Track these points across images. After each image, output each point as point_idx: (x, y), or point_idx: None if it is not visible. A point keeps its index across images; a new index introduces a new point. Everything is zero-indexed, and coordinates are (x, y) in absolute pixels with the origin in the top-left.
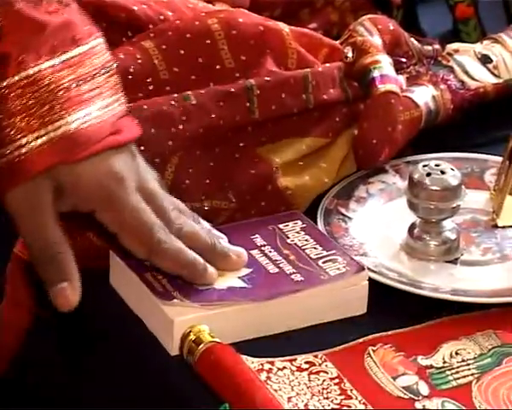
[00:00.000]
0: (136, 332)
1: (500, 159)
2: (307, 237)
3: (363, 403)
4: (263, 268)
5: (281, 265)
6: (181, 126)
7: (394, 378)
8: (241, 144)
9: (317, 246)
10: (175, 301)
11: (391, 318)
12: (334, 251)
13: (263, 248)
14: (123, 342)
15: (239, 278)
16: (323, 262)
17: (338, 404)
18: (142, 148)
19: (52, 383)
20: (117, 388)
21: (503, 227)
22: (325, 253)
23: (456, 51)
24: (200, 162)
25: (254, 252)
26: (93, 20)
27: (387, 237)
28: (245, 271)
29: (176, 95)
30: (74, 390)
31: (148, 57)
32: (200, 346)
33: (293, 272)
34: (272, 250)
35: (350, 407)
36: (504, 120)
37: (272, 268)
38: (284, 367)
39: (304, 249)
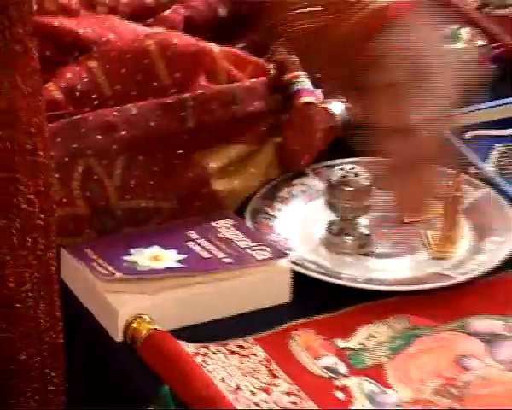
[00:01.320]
0: (85, 321)
1: None
2: (237, 232)
3: (289, 382)
4: (197, 254)
5: (213, 251)
6: (123, 132)
7: (316, 359)
8: (179, 151)
9: (246, 238)
10: (117, 275)
11: (312, 305)
12: (260, 242)
13: (197, 240)
14: (74, 330)
15: (175, 260)
16: (251, 250)
17: (265, 383)
18: (90, 152)
19: None
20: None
21: (409, 223)
22: (252, 243)
23: None
24: (144, 166)
25: (190, 243)
26: (43, 42)
27: (308, 234)
28: (181, 256)
29: (118, 107)
30: None
31: (92, 76)
32: (143, 333)
33: (224, 257)
34: (206, 242)
35: (277, 386)
36: None
37: (205, 254)
38: (218, 351)
39: (233, 241)
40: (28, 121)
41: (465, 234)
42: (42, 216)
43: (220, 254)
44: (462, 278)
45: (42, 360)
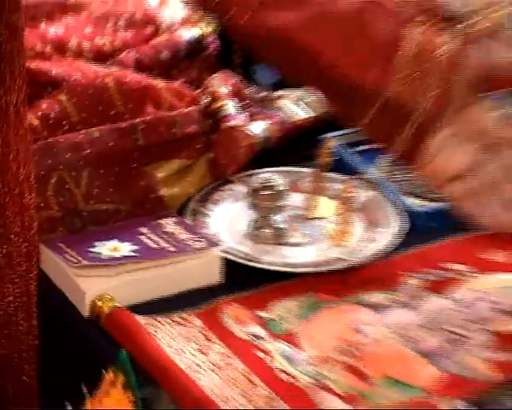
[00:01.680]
0: (59, 300)
1: (309, 170)
2: (178, 227)
3: (221, 346)
4: (147, 245)
5: (159, 243)
6: (88, 151)
7: (242, 327)
8: (133, 165)
9: (185, 232)
10: (84, 263)
11: (239, 285)
12: (197, 235)
13: (147, 234)
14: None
15: (130, 251)
16: (190, 241)
17: (203, 347)
18: (62, 166)
19: None
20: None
21: (314, 218)
22: (191, 236)
23: (281, 96)
24: (104, 177)
25: (141, 237)
26: None
27: (235, 228)
28: (134, 247)
29: (84, 131)
30: None
31: (63, 107)
32: (106, 310)
33: (169, 247)
34: (154, 236)
35: (212, 349)
36: (313, 143)
37: (154, 245)
38: (165, 322)
39: (176, 234)
40: (17, 171)
41: (357, 226)
42: (25, 244)
43: (165, 245)
44: (355, 261)
45: (19, 357)
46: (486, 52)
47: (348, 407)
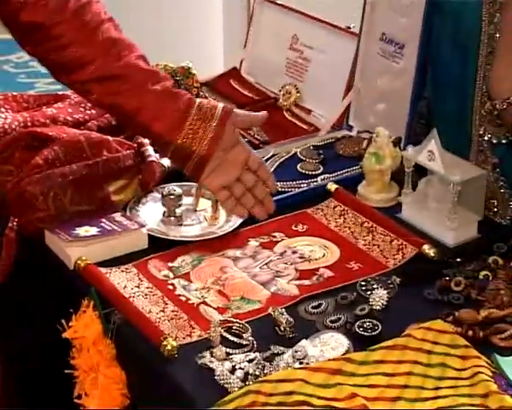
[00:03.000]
0: (57, 262)
1: (195, 184)
2: (122, 218)
3: (148, 283)
4: (105, 228)
5: (112, 226)
6: (70, 177)
7: (159, 272)
8: (97, 184)
9: (126, 220)
10: (69, 238)
11: (156, 250)
12: (133, 221)
13: (105, 222)
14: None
15: (96, 231)
16: (129, 225)
17: (137, 284)
18: (55, 186)
19: None
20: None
21: (199, 210)
22: (130, 222)
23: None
24: (80, 191)
25: (102, 224)
26: (34, 139)
27: (155, 217)
28: (98, 229)
29: (68, 166)
30: None
31: (56, 153)
32: (83, 265)
33: (117, 228)
34: (109, 222)
35: (142, 285)
36: None
37: (109, 228)
38: (116, 271)
39: (122, 221)
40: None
41: (221, 214)
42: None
43: (115, 227)
44: (221, 233)
45: None
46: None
47: (219, 315)
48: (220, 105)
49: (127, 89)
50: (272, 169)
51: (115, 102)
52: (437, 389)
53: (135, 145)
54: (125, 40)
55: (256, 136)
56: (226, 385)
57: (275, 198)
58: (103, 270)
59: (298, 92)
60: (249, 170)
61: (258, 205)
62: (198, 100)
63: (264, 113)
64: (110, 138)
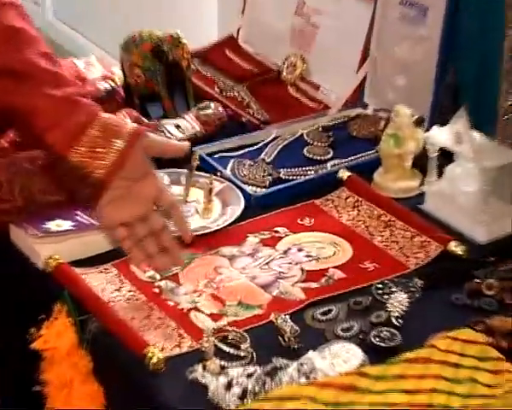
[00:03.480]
0: (25, 259)
1: (185, 171)
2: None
3: (131, 285)
4: (80, 222)
5: (88, 219)
6: (39, 162)
7: (144, 273)
8: None
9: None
10: (38, 234)
11: None
12: None
13: (80, 215)
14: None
15: (70, 226)
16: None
17: (118, 287)
18: (23, 173)
19: None
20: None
21: (190, 202)
22: None
23: (164, 123)
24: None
25: (76, 217)
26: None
27: None
28: (72, 223)
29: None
30: None
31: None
32: (54, 264)
33: (95, 222)
34: (85, 216)
35: (124, 287)
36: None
37: (85, 222)
38: (93, 271)
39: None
40: None
41: (215, 206)
42: None
43: (92, 221)
44: (216, 228)
45: None
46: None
47: (213, 323)
48: (131, 125)
49: (23, 88)
50: (275, 153)
51: (7, 100)
52: (465, 408)
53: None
54: (29, 31)
55: (255, 115)
56: (221, 404)
57: (277, 187)
58: (78, 270)
59: (304, 64)
60: (159, 210)
61: (162, 255)
62: (105, 115)
63: (185, 144)
64: None
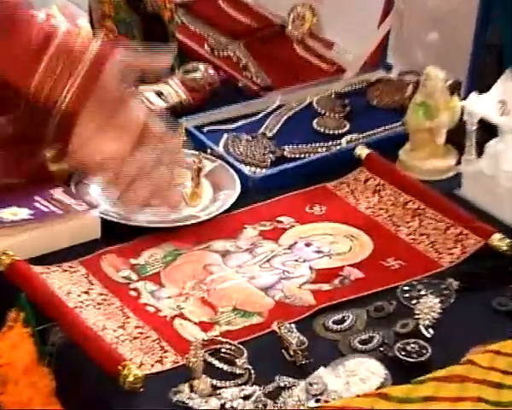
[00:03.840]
0: None
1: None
2: (65, 195)
3: (101, 287)
4: (40, 210)
5: (50, 207)
6: None
7: (117, 272)
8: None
9: (71, 199)
10: None
11: (114, 239)
12: (80, 200)
13: (40, 201)
14: None
15: (28, 214)
16: (74, 205)
17: (86, 289)
18: None
19: None
20: None
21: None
22: (75, 201)
23: (143, 90)
24: (6, 158)
25: (36, 204)
26: None
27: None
28: (31, 211)
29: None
30: None
31: None
32: (7, 262)
33: (57, 210)
34: (45, 202)
35: (93, 289)
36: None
37: (46, 209)
38: (55, 270)
39: (64, 200)
40: None
41: (206, 190)
42: None
43: (55, 209)
44: (206, 217)
45: None
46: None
47: (202, 333)
48: (97, 42)
49: None
50: (278, 126)
51: None
52: None
53: None
54: None
55: (254, 79)
56: None
57: (280, 168)
58: (38, 269)
59: (314, 17)
60: (147, 142)
61: (155, 200)
62: (63, 30)
63: (167, 58)
64: None
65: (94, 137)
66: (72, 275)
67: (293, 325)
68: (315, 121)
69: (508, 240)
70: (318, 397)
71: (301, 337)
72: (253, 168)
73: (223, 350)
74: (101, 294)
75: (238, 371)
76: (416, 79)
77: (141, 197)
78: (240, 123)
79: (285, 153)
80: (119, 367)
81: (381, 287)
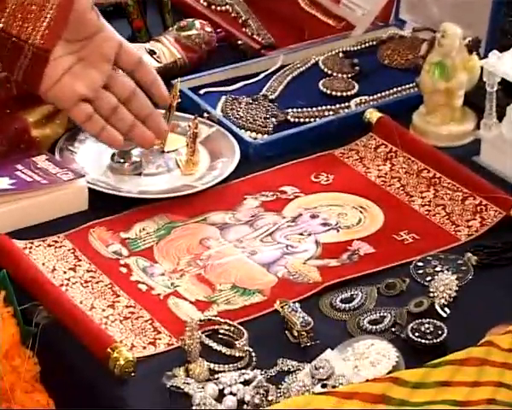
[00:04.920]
0: None
1: (161, 111)
2: (49, 163)
3: (88, 263)
4: (22, 179)
5: (33, 177)
6: None
7: (107, 247)
8: (8, 111)
9: (56, 167)
10: None
11: (103, 211)
12: (66, 169)
13: (22, 170)
14: None
15: (8, 184)
16: (60, 174)
17: (73, 265)
18: None
19: None
20: None
21: (168, 151)
22: (60, 170)
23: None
24: None
25: (17, 173)
26: None
27: (98, 163)
28: (11, 181)
29: None
30: None
31: None
32: None
33: (41, 180)
34: (28, 171)
35: (80, 266)
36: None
37: (28, 179)
38: (39, 245)
39: (48, 169)
40: None
41: (202, 157)
42: None
43: (38, 179)
44: (202, 187)
45: None
46: None
47: (199, 313)
48: None
49: None
50: (281, 88)
51: None
52: None
53: None
54: None
55: (255, 36)
56: None
57: (284, 133)
58: (20, 243)
59: None
60: (122, 71)
61: (140, 125)
62: None
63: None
64: None
65: (66, 74)
66: (57, 250)
67: (297, 304)
68: (321, 82)
69: None
70: (324, 382)
71: (306, 317)
72: (253, 134)
73: (221, 331)
74: (89, 270)
75: (237, 354)
76: (431, 37)
77: (120, 132)
78: (239, 84)
79: (288, 117)
80: (109, 350)
81: (392, 263)
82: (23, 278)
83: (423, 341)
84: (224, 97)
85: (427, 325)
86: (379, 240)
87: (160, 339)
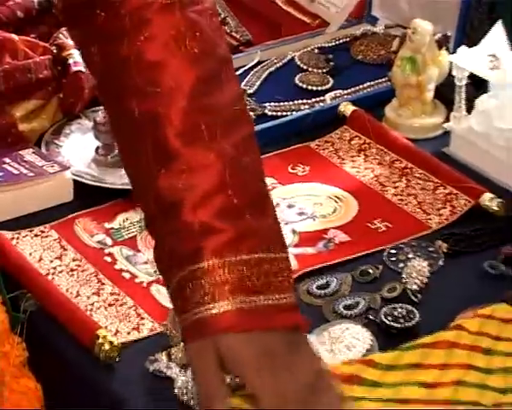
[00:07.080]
0: None
1: None
2: (36, 156)
3: (74, 252)
4: (10, 172)
5: (20, 170)
6: None
7: (91, 237)
8: None
9: (42, 160)
10: None
11: (87, 202)
12: (52, 162)
13: (10, 163)
14: None
15: None
16: (45, 167)
17: (59, 254)
18: None
19: None
20: None
21: None
22: (46, 162)
23: None
24: None
25: (5, 166)
26: None
27: (83, 155)
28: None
29: None
30: None
31: None
32: None
33: (28, 172)
34: (15, 164)
35: (66, 255)
36: None
37: (15, 171)
38: (26, 235)
39: (34, 162)
40: None
41: None
42: None
43: (25, 171)
44: None
45: None
46: None
47: None
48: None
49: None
50: (258, 83)
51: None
52: (499, 406)
53: (53, 48)
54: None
55: (234, 33)
56: (191, 402)
57: (261, 126)
58: (7, 234)
59: None
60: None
61: None
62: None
63: None
64: (15, 37)
65: None
66: (43, 240)
67: None
68: (297, 77)
69: (499, 200)
70: None
71: None
72: None
73: None
74: (75, 259)
75: None
76: (402, 33)
77: None
78: None
79: (266, 111)
80: (94, 336)
81: (366, 250)
82: (11, 267)
83: (396, 325)
84: None
85: (399, 310)
86: (353, 228)
87: (143, 325)
